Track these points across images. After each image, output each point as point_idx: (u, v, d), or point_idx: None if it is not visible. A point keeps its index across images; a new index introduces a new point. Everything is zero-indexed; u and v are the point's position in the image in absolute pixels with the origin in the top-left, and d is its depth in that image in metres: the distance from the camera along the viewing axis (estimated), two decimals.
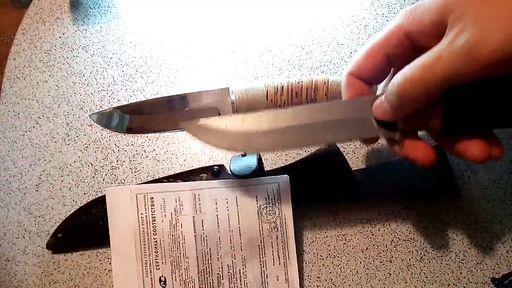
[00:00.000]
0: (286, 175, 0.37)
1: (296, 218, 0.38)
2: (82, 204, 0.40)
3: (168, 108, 0.43)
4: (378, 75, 0.31)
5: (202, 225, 0.37)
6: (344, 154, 0.37)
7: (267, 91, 0.41)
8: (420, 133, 0.32)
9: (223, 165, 0.40)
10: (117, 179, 0.42)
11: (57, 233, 0.40)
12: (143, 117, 0.43)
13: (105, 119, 0.43)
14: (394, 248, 0.39)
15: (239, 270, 0.37)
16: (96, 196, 0.41)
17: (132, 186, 0.39)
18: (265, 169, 0.39)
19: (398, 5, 0.46)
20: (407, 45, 0.28)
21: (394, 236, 0.39)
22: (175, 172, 0.41)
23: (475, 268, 0.38)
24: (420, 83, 0.24)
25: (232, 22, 0.47)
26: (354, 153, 0.42)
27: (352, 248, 0.39)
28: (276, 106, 0.41)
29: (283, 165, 0.40)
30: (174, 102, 0.43)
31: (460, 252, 0.38)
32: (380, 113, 0.28)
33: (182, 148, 0.43)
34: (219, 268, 0.37)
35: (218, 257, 0.37)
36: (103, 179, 0.42)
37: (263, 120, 0.31)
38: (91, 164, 0.42)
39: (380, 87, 0.34)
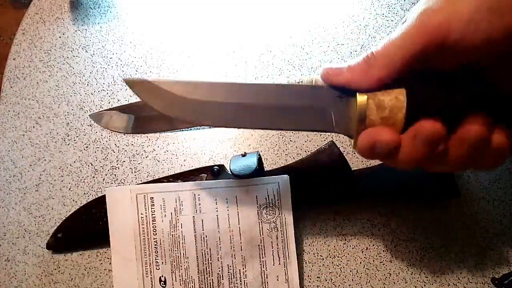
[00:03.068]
0: (286, 175, 0.37)
1: (296, 218, 0.38)
2: (82, 204, 0.40)
3: None
4: None
5: (202, 225, 0.37)
6: (344, 154, 0.37)
7: None
8: None
9: (223, 165, 0.40)
10: (117, 179, 0.42)
11: (57, 233, 0.40)
12: (143, 117, 0.43)
13: (105, 119, 0.43)
14: (394, 248, 0.39)
15: (239, 270, 0.37)
16: (96, 196, 0.41)
17: (132, 186, 0.39)
18: (265, 169, 0.39)
19: (398, 5, 0.46)
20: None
21: (394, 236, 0.39)
22: (175, 172, 0.41)
23: (475, 268, 0.38)
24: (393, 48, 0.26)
25: (232, 22, 0.47)
26: (354, 153, 0.42)
27: (352, 248, 0.39)
28: None
29: (283, 165, 0.40)
30: None
31: (460, 252, 0.38)
32: (342, 75, 0.27)
33: (182, 148, 0.43)
34: (219, 268, 0.37)
35: (218, 257, 0.37)
36: (103, 179, 0.42)
37: (218, 91, 0.28)
38: (91, 164, 0.42)
39: None
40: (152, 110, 0.43)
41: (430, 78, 0.27)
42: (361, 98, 0.26)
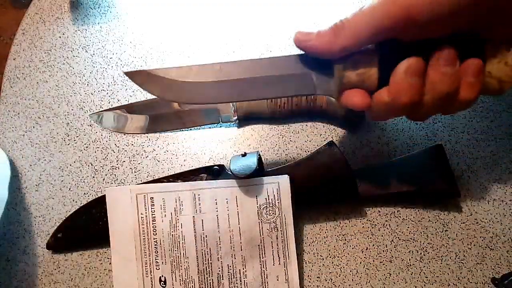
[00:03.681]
0: (286, 175, 0.37)
1: (296, 218, 0.38)
2: (82, 204, 0.40)
3: (168, 108, 0.43)
4: None
5: (202, 225, 0.37)
6: (344, 154, 0.37)
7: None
8: None
9: (223, 165, 0.40)
10: (117, 179, 0.42)
11: (57, 233, 0.40)
12: (143, 117, 0.43)
13: (105, 119, 0.43)
14: (394, 248, 0.39)
15: (239, 270, 0.37)
16: (96, 196, 0.41)
17: (132, 186, 0.39)
18: (265, 169, 0.39)
19: None
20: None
21: (394, 236, 0.39)
22: (175, 172, 0.41)
23: (475, 268, 0.38)
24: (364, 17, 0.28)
25: (232, 22, 0.47)
26: (354, 153, 0.42)
27: (352, 248, 0.39)
28: (276, 105, 0.41)
29: (283, 165, 0.40)
30: (174, 102, 0.43)
31: (460, 252, 0.38)
32: (319, 41, 0.29)
33: (182, 148, 0.43)
34: (219, 268, 0.37)
35: (218, 257, 0.37)
36: (103, 179, 0.42)
37: (208, 72, 0.32)
38: (91, 164, 0.42)
39: None
40: (153, 110, 0.43)
41: (398, 45, 0.29)
42: (337, 64, 0.29)
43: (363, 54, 0.29)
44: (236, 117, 0.42)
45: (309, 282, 0.39)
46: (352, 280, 0.38)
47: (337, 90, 0.30)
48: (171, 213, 0.38)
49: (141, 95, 0.44)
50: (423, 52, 0.28)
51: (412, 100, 0.28)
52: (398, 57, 0.28)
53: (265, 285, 0.37)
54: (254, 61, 0.32)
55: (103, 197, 0.39)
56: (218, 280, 0.37)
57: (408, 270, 0.38)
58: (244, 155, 0.38)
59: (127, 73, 0.33)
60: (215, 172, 0.39)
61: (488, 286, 0.37)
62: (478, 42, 0.29)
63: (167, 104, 0.43)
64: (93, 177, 0.42)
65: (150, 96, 0.44)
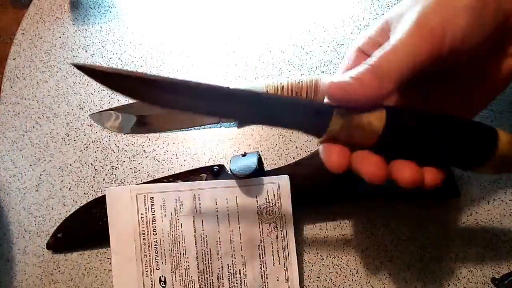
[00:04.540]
0: (286, 175, 0.37)
1: (296, 218, 0.38)
2: (82, 204, 0.40)
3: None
4: None
5: (202, 225, 0.37)
6: None
7: (267, 91, 0.41)
8: None
9: (223, 165, 0.40)
10: (117, 179, 0.42)
11: (57, 233, 0.40)
12: (143, 117, 0.43)
13: (105, 119, 0.43)
14: (394, 248, 0.39)
15: (239, 270, 0.37)
16: (96, 196, 0.41)
17: (132, 186, 0.39)
18: (265, 169, 0.39)
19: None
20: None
21: (394, 236, 0.39)
22: (175, 172, 0.41)
23: (475, 268, 0.38)
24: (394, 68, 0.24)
25: (232, 22, 0.47)
26: None
27: (352, 248, 0.39)
28: None
29: (283, 165, 0.40)
30: None
31: (460, 252, 0.38)
32: (339, 91, 0.25)
33: (182, 148, 0.43)
34: (219, 268, 0.37)
35: (218, 257, 0.37)
36: (103, 179, 0.42)
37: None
38: (91, 164, 0.42)
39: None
40: (152, 111, 0.43)
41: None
42: (336, 120, 0.25)
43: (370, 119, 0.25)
44: None
45: (309, 282, 0.39)
46: (352, 280, 0.38)
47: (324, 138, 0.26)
48: (171, 213, 0.38)
49: None
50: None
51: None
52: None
53: (265, 285, 0.37)
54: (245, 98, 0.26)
55: (103, 197, 0.39)
56: (218, 280, 0.37)
57: (408, 270, 0.38)
58: (244, 155, 0.38)
59: (74, 65, 0.25)
60: (215, 172, 0.39)
61: (488, 286, 0.37)
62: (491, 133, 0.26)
63: None
64: (93, 177, 0.42)
65: None
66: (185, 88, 0.24)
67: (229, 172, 0.38)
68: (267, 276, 0.37)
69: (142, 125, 0.43)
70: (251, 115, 0.26)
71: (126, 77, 0.23)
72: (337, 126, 0.25)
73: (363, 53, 0.30)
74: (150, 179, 0.42)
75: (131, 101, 0.44)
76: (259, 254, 0.37)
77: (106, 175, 0.42)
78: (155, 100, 0.24)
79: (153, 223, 0.38)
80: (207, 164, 0.41)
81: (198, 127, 0.43)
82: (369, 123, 0.24)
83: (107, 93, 0.45)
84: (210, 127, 0.43)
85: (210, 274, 0.37)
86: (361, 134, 0.25)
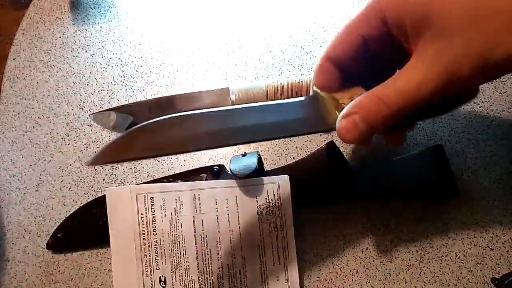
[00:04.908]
0: (286, 175, 0.37)
1: (296, 218, 0.38)
2: (82, 204, 0.40)
3: (168, 108, 0.43)
4: (354, 59, 0.31)
5: (202, 225, 0.37)
6: (344, 154, 0.37)
7: (267, 91, 0.41)
8: None
9: (223, 165, 0.40)
10: (117, 179, 0.42)
11: (57, 233, 0.40)
12: (143, 117, 0.43)
13: (105, 119, 0.43)
14: (394, 248, 0.39)
15: (239, 270, 0.37)
16: (96, 196, 0.41)
17: (132, 186, 0.39)
18: (265, 169, 0.39)
19: None
20: (384, 31, 0.28)
21: (394, 236, 0.39)
22: (175, 172, 0.41)
23: (475, 268, 0.38)
24: (403, 108, 0.26)
25: (232, 22, 0.47)
26: (354, 153, 0.42)
27: (352, 248, 0.39)
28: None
29: (283, 165, 0.40)
30: (174, 102, 0.43)
31: (460, 252, 0.38)
32: (351, 135, 0.29)
33: None
34: (219, 268, 0.37)
35: (218, 257, 0.37)
36: (103, 179, 0.42)
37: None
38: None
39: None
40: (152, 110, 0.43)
41: None
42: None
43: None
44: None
45: (309, 282, 0.39)
46: (352, 280, 0.38)
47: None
48: (171, 213, 0.38)
49: (141, 95, 0.44)
50: None
51: None
52: None
53: (265, 285, 0.37)
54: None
55: (103, 197, 0.39)
56: (218, 280, 0.37)
57: (408, 270, 0.38)
58: (244, 155, 0.38)
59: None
60: (215, 172, 0.39)
61: (488, 286, 0.37)
62: None
63: (166, 105, 0.43)
64: (93, 177, 0.42)
65: (150, 96, 0.44)
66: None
67: (229, 172, 0.38)
68: (267, 276, 0.37)
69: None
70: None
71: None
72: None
73: (330, 62, 0.31)
74: (150, 179, 0.42)
75: (131, 101, 0.44)
76: (259, 254, 0.37)
77: (106, 175, 0.42)
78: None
79: (153, 223, 0.38)
80: (207, 164, 0.41)
81: None
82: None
83: (107, 93, 0.45)
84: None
85: (210, 274, 0.37)
86: None
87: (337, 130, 0.29)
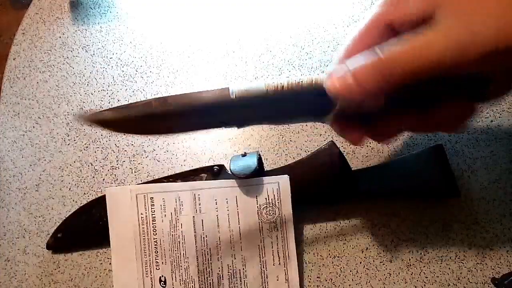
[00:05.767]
0: (286, 175, 0.37)
1: (296, 218, 0.38)
2: (82, 204, 0.40)
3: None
4: None
5: (202, 225, 0.37)
6: (344, 154, 0.37)
7: (267, 91, 0.41)
8: None
9: (223, 165, 0.40)
10: (117, 179, 0.42)
11: (57, 233, 0.40)
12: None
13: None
14: (394, 248, 0.39)
15: (239, 270, 0.37)
16: (96, 196, 0.41)
17: (132, 186, 0.39)
18: (265, 169, 0.39)
19: None
20: (390, 35, 0.26)
21: (394, 236, 0.39)
22: (175, 172, 0.41)
23: (475, 268, 0.38)
24: (404, 65, 0.23)
25: (232, 22, 0.47)
26: (354, 153, 0.42)
27: (352, 248, 0.39)
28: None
29: (283, 165, 0.40)
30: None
31: (460, 252, 0.38)
32: (342, 88, 0.25)
33: (182, 148, 0.43)
34: (219, 268, 0.37)
35: (218, 257, 0.37)
36: (103, 179, 0.42)
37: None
38: (91, 164, 0.42)
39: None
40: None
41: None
42: None
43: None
44: None
45: (309, 282, 0.39)
46: (352, 280, 0.38)
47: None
48: (171, 213, 0.38)
49: (141, 95, 0.44)
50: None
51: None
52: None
53: (265, 285, 0.37)
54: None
55: (103, 197, 0.39)
56: (218, 280, 0.37)
57: (408, 270, 0.38)
58: (244, 155, 0.38)
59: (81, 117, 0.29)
60: (215, 172, 0.39)
61: (488, 286, 0.37)
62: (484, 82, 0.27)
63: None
64: (93, 177, 0.42)
65: (150, 96, 0.44)
66: (193, 110, 0.26)
67: (229, 172, 0.38)
68: (267, 276, 0.37)
69: None
70: (258, 116, 0.28)
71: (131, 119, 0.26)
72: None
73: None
74: (150, 179, 0.42)
75: (131, 101, 0.44)
76: (259, 254, 0.37)
77: (106, 175, 0.42)
78: (165, 131, 0.27)
79: (153, 223, 0.38)
80: (207, 164, 0.41)
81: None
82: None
83: (107, 93, 0.45)
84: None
85: (210, 274, 0.37)
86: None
87: (326, 77, 0.26)
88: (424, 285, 0.38)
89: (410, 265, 0.38)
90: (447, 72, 0.23)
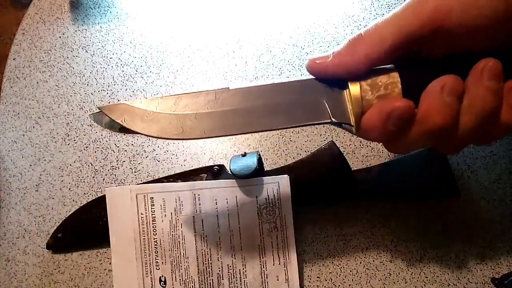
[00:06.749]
0: (286, 175, 0.37)
1: (296, 218, 0.38)
2: (82, 204, 0.40)
3: None
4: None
5: (202, 225, 0.37)
6: (344, 154, 0.37)
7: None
8: None
9: (223, 165, 0.40)
10: (117, 179, 0.42)
11: (57, 233, 0.40)
12: None
13: (105, 119, 0.43)
14: (394, 248, 0.39)
15: (239, 270, 0.37)
16: (96, 196, 0.41)
17: (132, 186, 0.39)
18: (265, 169, 0.39)
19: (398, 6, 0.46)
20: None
21: (394, 236, 0.39)
22: (175, 172, 0.41)
23: (475, 268, 0.38)
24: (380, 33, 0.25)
25: (232, 22, 0.47)
26: (354, 153, 0.42)
27: (352, 248, 0.39)
28: None
29: (283, 165, 0.40)
30: None
31: (460, 252, 0.38)
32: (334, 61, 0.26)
33: (182, 148, 0.43)
34: (219, 268, 0.37)
35: (218, 257, 0.37)
36: (103, 179, 0.42)
37: (201, 101, 0.27)
38: (91, 164, 0.42)
39: None
40: None
41: (421, 63, 0.26)
42: (353, 83, 0.26)
43: (382, 73, 0.26)
44: None
45: (309, 282, 0.39)
46: (352, 280, 0.38)
47: (355, 115, 0.26)
48: (171, 213, 0.38)
49: (141, 95, 0.44)
50: (452, 70, 0.25)
51: (446, 121, 0.24)
52: (424, 78, 0.25)
53: (265, 285, 0.37)
54: (255, 88, 0.28)
55: (103, 197, 0.39)
56: (218, 280, 0.37)
57: (408, 270, 0.38)
58: (244, 155, 0.38)
59: (102, 108, 0.28)
60: (215, 172, 0.39)
61: (488, 286, 0.37)
62: None
63: None
64: (93, 177, 0.42)
65: (150, 97, 0.44)
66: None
67: (229, 172, 0.38)
68: (267, 276, 0.37)
69: None
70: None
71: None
72: (357, 89, 0.26)
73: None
74: (150, 179, 0.42)
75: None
76: (259, 254, 0.37)
77: (106, 175, 0.42)
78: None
79: (153, 223, 0.38)
80: (207, 164, 0.41)
81: None
82: (383, 78, 0.26)
83: (107, 93, 0.45)
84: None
85: (210, 274, 0.37)
86: (384, 90, 0.26)
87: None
88: (424, 285, 0.38)
89: (410, 265, 0.38)
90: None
